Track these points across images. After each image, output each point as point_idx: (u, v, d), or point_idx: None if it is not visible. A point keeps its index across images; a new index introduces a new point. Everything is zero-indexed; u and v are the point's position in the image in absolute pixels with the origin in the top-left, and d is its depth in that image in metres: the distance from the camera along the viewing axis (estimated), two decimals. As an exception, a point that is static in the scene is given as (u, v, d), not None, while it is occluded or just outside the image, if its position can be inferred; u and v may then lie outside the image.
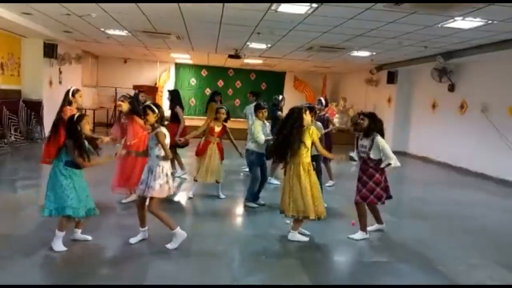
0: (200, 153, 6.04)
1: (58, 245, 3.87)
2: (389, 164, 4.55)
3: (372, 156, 4.58)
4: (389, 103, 13.33)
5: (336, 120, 15.01)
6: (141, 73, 16.83)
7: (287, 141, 4.38)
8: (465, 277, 3.95)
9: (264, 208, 5.75)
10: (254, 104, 8.34)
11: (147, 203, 4.11)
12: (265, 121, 5.91)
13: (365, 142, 4.62)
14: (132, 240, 4.16)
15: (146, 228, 4.25)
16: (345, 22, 7.02)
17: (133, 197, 5.65)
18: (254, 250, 4.30)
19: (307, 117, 4.43)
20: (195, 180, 6.16)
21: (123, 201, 5.61)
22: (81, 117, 3.96)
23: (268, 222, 5.14)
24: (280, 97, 8.10)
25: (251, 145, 5.78)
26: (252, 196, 5.82)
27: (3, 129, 9.29)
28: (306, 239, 4.56)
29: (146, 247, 4.12)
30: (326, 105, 7.38)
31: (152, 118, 4.01)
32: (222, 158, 6.12)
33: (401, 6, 5.72)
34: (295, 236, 4.55)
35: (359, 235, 4.73)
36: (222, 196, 6.22)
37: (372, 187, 4.60)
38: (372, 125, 4.61)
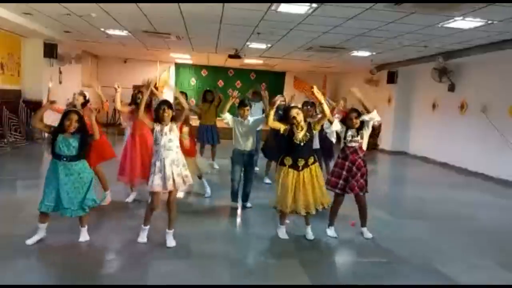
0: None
1: (33, 237, 4.01)
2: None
3: (364, 145, 4.63)
4: (389, 103, 13.34)
5: (336, 120, 15.01)
6: (141, 73, 16.80)
7: None
8: (465, 277, 3.95)
9: (264, 208, 5.73)
10: (257, 103, 8.34)
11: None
12: (248, 119, 5.58)
13: (354, 132, 4.61)
14: (141, 239, 4.18)
15: (149, 226, 4.25)
16: (345, 22, 7.02)
17: (133, 195, 5.67)
18: (254, 250, 4.30)
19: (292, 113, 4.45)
20: None
21: (127, 200, 5.62)
22: (65, 113, 3.96)
23: (268, 222, 5.14)
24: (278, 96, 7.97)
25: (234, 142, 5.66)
26: (231, 195, 5.74)
27: (3, 129, 9.29)
28: (285, 236, 4.60)
29: (146, 247, 4.12)
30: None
31: (171, 112, 4.12)
32: (189, 155, 5.68)
33: (401, 6, 5.72)
34: (277, 229, 4.68)
35: (368, 232, 4.80)
36: (208, 192, 6.23)
37: (363, 177, 4.66)
38: (362, 121, 4.66)
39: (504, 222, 6.10)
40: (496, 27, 6.73)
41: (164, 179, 4.04)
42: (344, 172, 4.62)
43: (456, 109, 10.62)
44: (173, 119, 4.15)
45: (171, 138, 4.09)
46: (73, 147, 3.92)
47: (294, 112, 4.44)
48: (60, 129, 3.93)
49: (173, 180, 4.08)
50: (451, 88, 10.70)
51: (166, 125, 4.09)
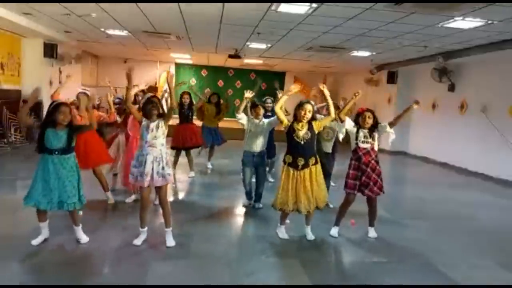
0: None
1: (37, 237, 4.00)
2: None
3: (375, 146, 4.62)
4: (389, 103, 13.34)
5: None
6: (141, 73, 16.82)
7: None
8: (465, 277, 3.95)
9: (264, 208, 5.74)
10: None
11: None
12: (263, 120, 5.62)
13: (366, 133, 4.59)
14: (137, 242, 4.14)
15: (146, 228, 4.24)
16: (345, 22, 7.02)
17: (134, 196, 5.65)
18: (254, 250, 4.29)
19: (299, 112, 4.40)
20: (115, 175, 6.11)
21: (127, 200, 5.61)
22: (56, 106, 3.89)
23: (268, 222, 5.14)
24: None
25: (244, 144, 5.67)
26: (246, 195, 5.86)
27: (3, 129, 9.29)
28: (285, 236, 4.60)
29: (146, 247, 4.12)
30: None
31: (158, 109, 4.12)
32: None
33: (401, 6, 5.72)
34: (277, 229, 4.69)
35: (374, 231, 4.81)
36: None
37: (379, 177, 4.65)
38: (377, 123, 4.65)
39: (504, 222, 6.10)
40: (496, 27, 6.73)
41: (142, 174, 4.04)
42: (360, 173, 4.60)
43: (456, 109, 10.62)
44: (161, 116, 4.13)
45: (156, 135, 4.06)
46: (64, 139, 3.89)
47: (308, 107, 4.35)
48: (49, 122, 3.88)
49: (152, 177, 4.05)
50: (451, 88, 10.70)
51: (153, 121, 4.08)
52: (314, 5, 6.07)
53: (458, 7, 5.67)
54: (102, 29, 9.41)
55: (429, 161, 11.49)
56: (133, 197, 5.65)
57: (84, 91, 5.31)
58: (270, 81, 17.41)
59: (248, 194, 5.83)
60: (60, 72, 11.98)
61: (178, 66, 17.25)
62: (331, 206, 5.86)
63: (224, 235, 4.74)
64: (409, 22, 6.71)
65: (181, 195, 6.43)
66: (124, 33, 9.69)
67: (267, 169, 7.52)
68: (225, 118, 8.59)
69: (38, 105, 10.56)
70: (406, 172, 11.07)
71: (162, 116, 4.14)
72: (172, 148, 7.31)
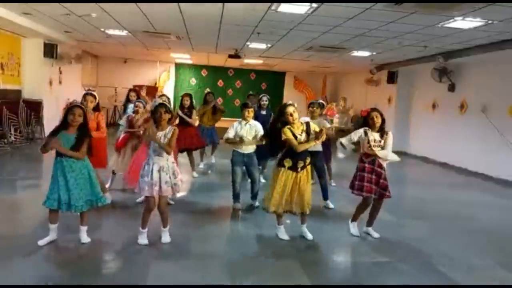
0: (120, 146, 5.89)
1: (44, 238, 3.98)
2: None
3: (385, 148, 4.62)
4: (389, 103, 13.34)
5: (336, 120, 15.04)
6: (141, 73, 16.85)
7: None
8: (465, 277, 3.95)
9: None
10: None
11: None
12: (250, 122, 5.53)
13: (377, 137, 4.58)
14: (143, 241, 4.14)
15: (147, 229, 4.24)
16: (345, 22, 7.02)
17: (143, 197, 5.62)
18: (254, 250, 4.30)
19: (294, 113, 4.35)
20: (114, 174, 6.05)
21: (138, 200, 5.56)
22: (70, 108, 3.92)
23: (268, 222, 5.13)
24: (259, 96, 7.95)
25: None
26: (233, 197, 5.64)
27: (3, 129, 9.29)
28: (285, 236, 4.56)
29: (146, 247, 4.12)
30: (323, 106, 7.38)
31: (167, 116, 4.08)
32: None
33: (401, 6, 5.72)
34: (276, 230, 4.65)
35: (374, 231, 4.82)
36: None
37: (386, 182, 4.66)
38: (384, 120, 4.62)
39: (504, 222, 6.10)
40: (496, 27, 6.73)
41: (150, 184, 4.02)
42: (374, 176, 4.57)
43: (456, 109, 10.62)
44: (170, 120, 4.14)
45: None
46: (72, 141, 3.89)
47: (290, 109, 4.35)
48: (63, 125, 3.90)
49: (160, 187, 4.04)
50: (451, 88, 10.70)
51: (162, 130, 4.05)
52: (314, 5, 6.07)
53: (458, 7, 5.67)
54: (102, 29, 9.41)
55: (429, 161, 11.48)
56: (143, 197, 5.63)
57: (90, 91, 5.29)
58: (270, 81, 17.74)
59: (237, 196, 5.61)
60: (60, 72, 11.99)
61: (178, 66, 17.25)
62: (331, 206, 5.88)
63: (224, 235, 4.75)
64: (409, 22, 6.71)
65: (181, 195, 6.42)
66: (124, 33, 9.69)
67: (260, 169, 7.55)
68: (222, 118, 8.62)
69: (38, 105, 10.60)
70: (406, 172, 11.04)
71: (170, 121, 4.15)
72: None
